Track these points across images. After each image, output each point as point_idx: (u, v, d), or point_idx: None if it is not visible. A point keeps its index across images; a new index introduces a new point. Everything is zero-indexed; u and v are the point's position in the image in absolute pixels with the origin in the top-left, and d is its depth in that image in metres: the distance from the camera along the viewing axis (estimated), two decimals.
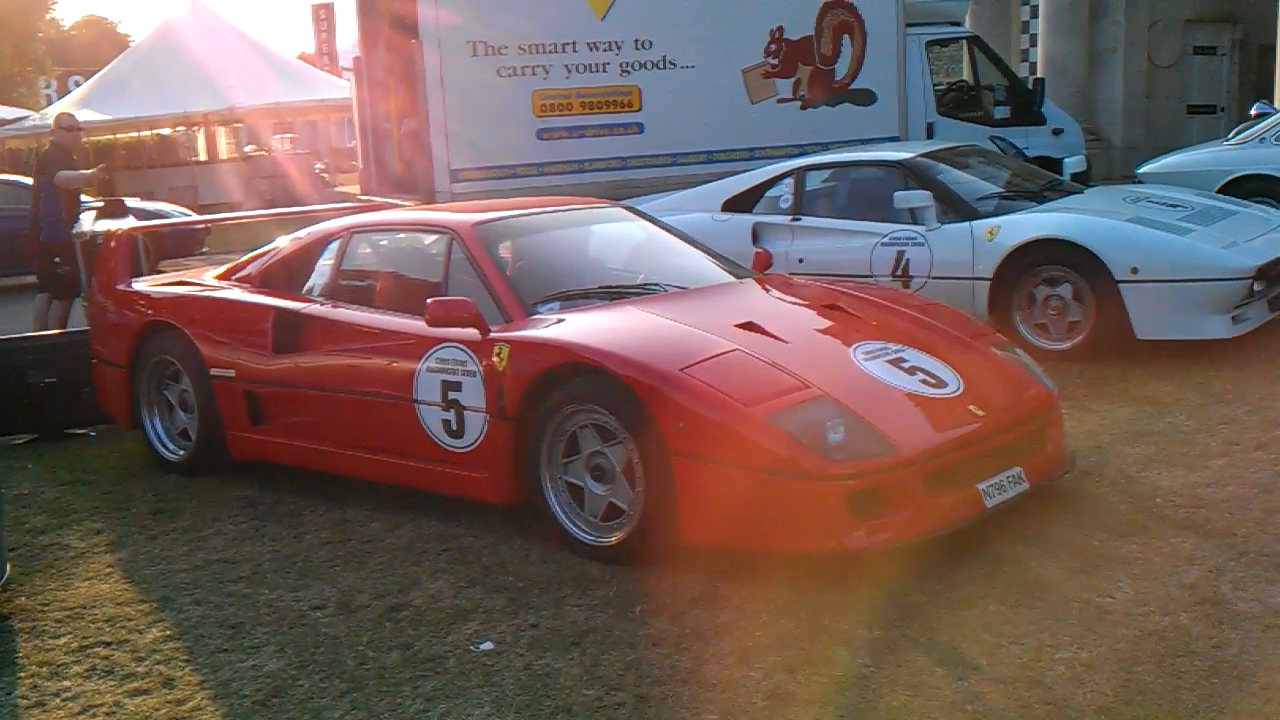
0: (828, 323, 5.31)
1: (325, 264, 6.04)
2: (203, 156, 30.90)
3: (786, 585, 4.20)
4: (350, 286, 5.90)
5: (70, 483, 6.28)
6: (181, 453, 6.32)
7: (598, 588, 4.35)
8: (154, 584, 4.77)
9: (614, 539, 4.55)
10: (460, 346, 5.03)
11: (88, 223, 8.76)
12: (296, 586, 4.62)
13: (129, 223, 7.92)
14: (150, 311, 6.45)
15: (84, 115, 24.24)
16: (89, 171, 10.41)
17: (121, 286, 6.72)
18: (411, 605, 4.35)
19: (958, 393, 4.69)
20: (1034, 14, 21.34)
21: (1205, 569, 4.20)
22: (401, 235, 6.25)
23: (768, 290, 5.73)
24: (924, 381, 4.69)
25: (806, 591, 4.16)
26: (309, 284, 6.04)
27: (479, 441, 4.97)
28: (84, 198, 10.50)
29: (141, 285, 6.75)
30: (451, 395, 5.03)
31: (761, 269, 6.14)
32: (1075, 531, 4.60)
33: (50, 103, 34.14)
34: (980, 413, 4.63)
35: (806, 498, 4.20)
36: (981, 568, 4.29)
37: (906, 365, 4.77)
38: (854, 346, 4.86)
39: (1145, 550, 4.39)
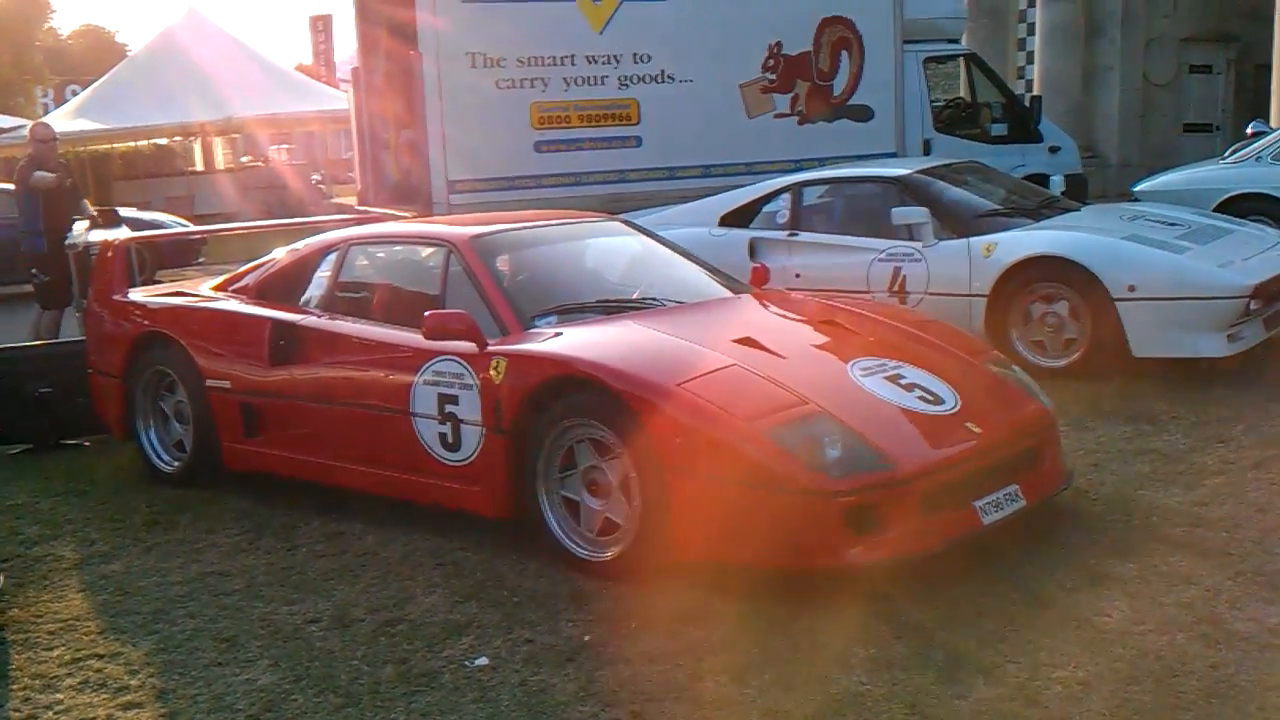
0: (825, 338, 5.31)
1: (323, 276, 6.04)
2: (200, 166, 30.89)
3: (782, 602, 4.19)
4: (347, 299, 5.89)
5: (65, 493, 6.25)
6: (177, 464, 6.30)
7: (593, 603, 4.34)
8: (148, 596, 4.75)
9: (610, 554, 4.54)
10: (457, 359, 5.02)
11: (80, 233, 8.75)
12: (291, 600, 4.61)
13: (123, 233, 7.91)
14: (146, 322, 6.44)
15: (81, 124, 24.36)
16: (51, 176, 9.96)
17: (118, 297, 6.71)
18: (406, 620, 4.33)
19: (955, 409, 4.68)
20: (1031, 32, 21.44)
21: (1202, 588, 4.19)
22: (399, 248, 6.25)
23: (765, 305, 5.73)
24: (921, 398, 4.68)
25: (802, 608, 4.15)
26: (306, 296, 6.03)
27: (475, 455, 4.96)
28: (88, 205, 10.35)
29: (138, 296, 6.74)
30: (448, 408, 5.02)
31: (759, 284, 6.14)
32: (1072, 550, 4.60)
33: (48, 111, 34.23)
34: (977, 430, 4.63)
35: (803, 514, 4.19)
36: (978, 586, 4.28)
37: (904, 381, 4.76)
38: (851, 362, 4.85)
39: (1142, 569, 4.38)
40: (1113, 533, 4.77)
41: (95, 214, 9.93)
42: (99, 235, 7.85)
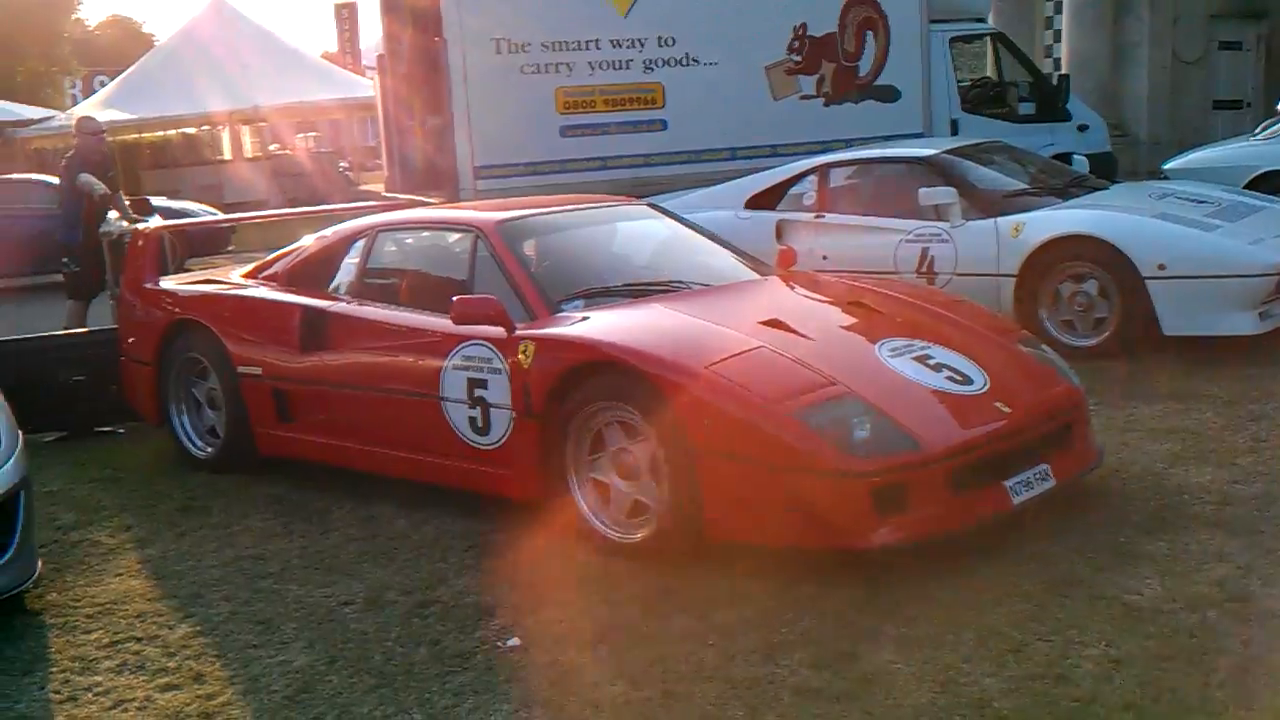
0: (853, 319, 5.30)
1: (351, 262, 6.07)
2: (227, 155, 31.02)
3: (812, 582, 4.21)
4: (376, 285, 5.92)
5: (100, 480, 6.33)
6: (210, 450, 6.36)
7: (624, 584, 4.36)
8: (183, 580, 4.81)
9: (640, 536, 4.56)
10: (486, 344, 5.04)
11: (113, 222, 8.81)
12: (325, 583, 4.65)
13: (155, 221, 7.97)
14: (177, 310, 6.50)
15: (109, 115, 24.42)
16: (103, 189, 9.96)
17: (149, 285, 6.77)
18: (439, 601, 4.37)
19: (984, 389, 4.68)
20: (1058, 10, 21.24)
21: (1233, 566, 4.18)
22: (426, 234, 6.27)
23: (792, 287, 5.74)
24: (950, 378, 4.68)
25: (832, 588, 4.16)
26: (335, 282, 6.07)
27: (505, 439, 4.99)
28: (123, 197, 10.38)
29: (169, 284, 6.80)
30: (477, 393, 5.05)
31: (786, 266, 6.14)
32: (1102, 528, 4.59)
33: (76, 102, 34.36)
34: (1007, 409, 4.62)
35: (832, 494, 4.20)
36: (1008, 565, 4.28)
37: (932, 362, 4.76)
38: (879, 343, 4.85)
39: (1173, 547, 4.37)
40: (1143, 511, 4.75)
41: (128, 205, 9.99)
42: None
